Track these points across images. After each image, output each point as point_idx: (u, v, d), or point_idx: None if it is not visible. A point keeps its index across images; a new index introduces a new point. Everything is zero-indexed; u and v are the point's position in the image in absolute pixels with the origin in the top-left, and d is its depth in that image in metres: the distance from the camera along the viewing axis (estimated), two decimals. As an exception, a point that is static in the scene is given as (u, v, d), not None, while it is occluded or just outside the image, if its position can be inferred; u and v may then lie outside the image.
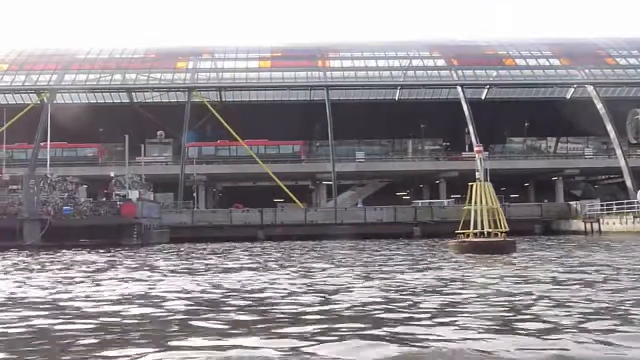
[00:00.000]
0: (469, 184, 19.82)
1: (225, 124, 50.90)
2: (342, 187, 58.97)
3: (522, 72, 55.27)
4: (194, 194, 51.66)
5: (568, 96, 57.03)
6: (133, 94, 56.66)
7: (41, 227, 32.65)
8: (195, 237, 41.18)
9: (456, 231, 19.60)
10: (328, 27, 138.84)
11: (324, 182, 58.04)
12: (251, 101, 55.90)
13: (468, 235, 18.91)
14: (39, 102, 51.87)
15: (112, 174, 42.26)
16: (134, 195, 36.06)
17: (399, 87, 55.22)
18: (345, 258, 19.57)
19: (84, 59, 55.60)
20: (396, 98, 56.76)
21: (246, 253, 25.11)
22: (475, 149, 23.30)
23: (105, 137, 55.42)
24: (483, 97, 56.47)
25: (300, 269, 15.41)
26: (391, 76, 54.88)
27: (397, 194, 64.77)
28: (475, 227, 18.78)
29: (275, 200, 58.37)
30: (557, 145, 66.01)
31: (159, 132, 60.67)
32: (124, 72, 53.83)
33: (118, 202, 35.22)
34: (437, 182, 58.50)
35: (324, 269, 15.18)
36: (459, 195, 56.11)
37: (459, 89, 53.48)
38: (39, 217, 32.75)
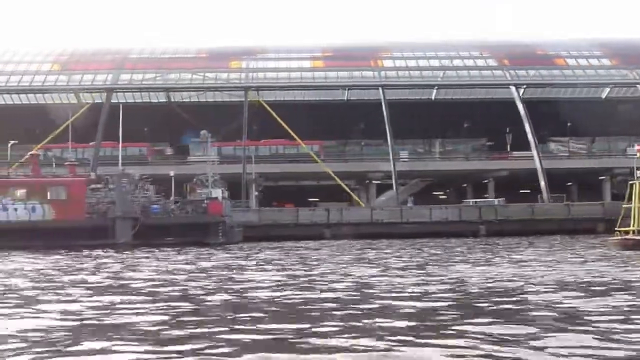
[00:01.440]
0: (633, 180, 19.90)
1: (283, 124, 51.08)
2: (382, 187, 59.40)
3: (575, 71, 55.44)
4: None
5: (608, 95, 57.29)
6: (171, 93, 57.02)
7: (133, 225, 32.85)
8: (264, 235, 41.40)
9: (616, 229, 19.73)
10: (366, 27, 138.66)
11: (374, 182, 58.42)
12: (294, 100, 56.01)
13: (627, 233, 19.07)
14: (99, 101, 52.01)
15: (171, 173, 42.61)
16: (217, 193, 36.31)
17: (455, 87, 55.44)
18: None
19: (137, 59, 55.79)
20: (432, 97, 57.09)
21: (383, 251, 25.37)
22: (637, 147, 23.33)
23: (147, 136, 55.75)
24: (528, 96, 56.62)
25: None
26: (445, 76, 55.07)
27: (434, 193, 64.99)
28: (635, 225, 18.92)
29: (309, 199, 58.69)
30: (592, 145, 66.01)
31: (202, 132, 60.81)
32: (179, 72, 53.98)
33: (205, 201, 35.37)
34: (485, 181, 58.68)
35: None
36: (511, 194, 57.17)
37: (513, 88, 53.69)
38: (130, 215, 32.93)
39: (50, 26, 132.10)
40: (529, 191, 60.68)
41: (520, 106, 52.50)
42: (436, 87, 55.46)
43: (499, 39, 60.51)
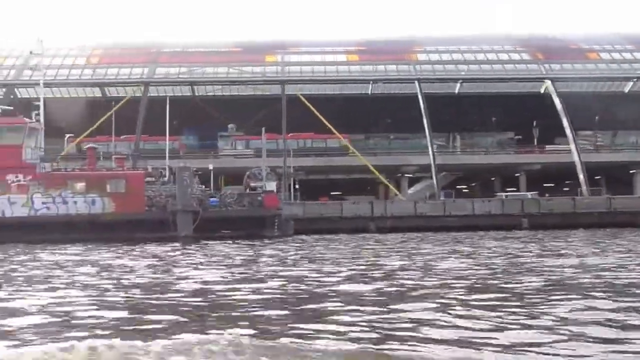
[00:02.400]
0: None
1: (320, 117, 51.20)
2: (410, 180, 59.77)
3: (609, 65, 55.61)
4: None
5: (631, 89, 57.46)
6: (195, 87, 57.12)
7: (193, 219, 33.00)
8: (310, 228, 41.52)
9: None
10: (389, 21, 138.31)
11: (405, 175, 58.68)
12: (324, 94, 56.06)
13: None
14: (136, 94, 52.11)
15: (210, 167, 42.82)
16: (271, 186, 36.51)
17: (494, 81, 55.67)
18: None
19: (171, 53, 55.90)
20: (466, 91, 57.26)
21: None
22: None
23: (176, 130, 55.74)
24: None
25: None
26: (480, 69, 55.22)
27: (457, 187, 65.19)
28: None
29: (331, 193, 58.90)
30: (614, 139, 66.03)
31: (230, 126, 61.07)
32: (215, 66, 54.08)
33: (260, 194, 35.54)
34: (517, 175, 58.93)
35: None
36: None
37: (549, 82, 53.84)
38: (191, 209, 33.08)
39: (82, 21, 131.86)
40: (552, 185, 61.21)
41: (556, 100, 52.70)
42: (476, 81, 55.48)
43: (531, 33, 60.67)
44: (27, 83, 49.44)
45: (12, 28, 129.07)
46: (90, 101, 53.26)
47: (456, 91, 57.98)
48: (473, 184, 70.11)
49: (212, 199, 34.65)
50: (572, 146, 50.95)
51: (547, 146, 57.74)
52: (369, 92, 57.98)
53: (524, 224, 45.04)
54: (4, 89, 52.42)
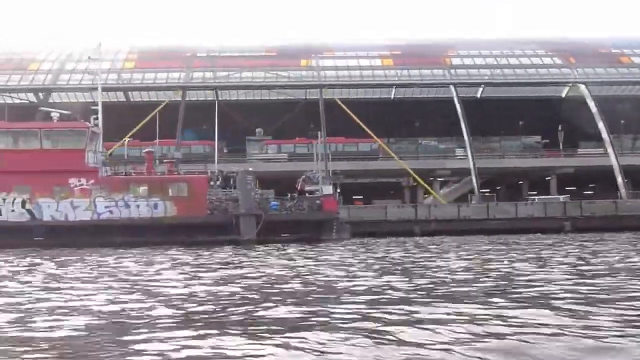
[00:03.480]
0: None
1: (358, 121, 51.53)
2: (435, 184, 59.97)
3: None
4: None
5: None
6: (219, 92, 57.37)
7: (256, 222, 33.22)
8: (356, 232, 41.82)
9: None
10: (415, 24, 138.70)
11: (438, 179, 59.01)
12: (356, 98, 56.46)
13: None
14: (173, 99, 52.32)
15: (250, 169, 42.96)
16: (327, 190, 36.69)
17: (531, 85, 56.15)
18: None
19: (206, 57, 56.15)
20: (478, 95, 57.62)
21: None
22: None
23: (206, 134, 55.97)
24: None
25: None
26: (514, 74, 55.64)
27: (481, 191, 65.46)
28: None
29: (354, 197, 59.25)
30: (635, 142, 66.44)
31: (257, 130, 61.29)
32: (251, 70, 54.34)
33: (319, 198, 35.77)
34: (548, 178, 59.28)
35: None
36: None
37: (583, 87, 54.30)
38: (254, 212, 33.31)
39: (113, 23, 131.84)
40: (574, 188, 61.63)
41: (591, 104, 53.11)
42: (513, 86, 55.93)
43: (559, 36, 61.18)
44: (84, 87, 49.52)
45: (48, 32, 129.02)
46: (111, 105, 53.22)
47: (488, 95, 58.37)
48: (498, 188, 70.45)
49: (272, 203, 34.89)
50: (610, 149, 51.36)
51: (578, 150, 58.05)
52: (403, 96, 58.43)
53: (566, 227, 45.38)
54: (41, 94, 52.46)
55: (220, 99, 56.40)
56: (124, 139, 44.16)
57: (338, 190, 52.57)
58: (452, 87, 53.42)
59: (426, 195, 59.00)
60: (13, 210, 33.28)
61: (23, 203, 33.33)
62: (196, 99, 56.21)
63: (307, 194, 37.62)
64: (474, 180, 50.87)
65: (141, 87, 53.20)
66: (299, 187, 38.60)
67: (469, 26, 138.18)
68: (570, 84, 55.73)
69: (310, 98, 57.32)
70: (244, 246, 30.02)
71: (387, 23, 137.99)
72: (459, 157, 60.58)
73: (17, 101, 52.49)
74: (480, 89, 57.82)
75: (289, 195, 36.44)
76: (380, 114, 56.10)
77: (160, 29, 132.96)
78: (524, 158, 60.76)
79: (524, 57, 57.01)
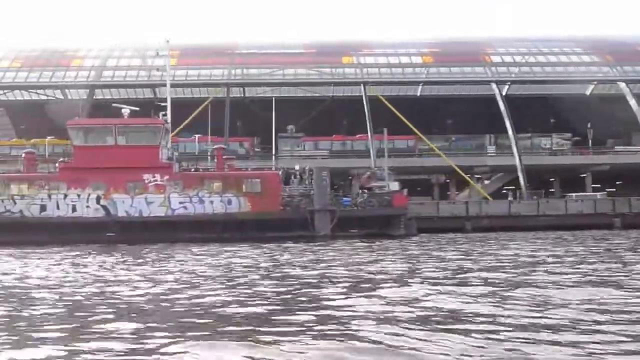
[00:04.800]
0: None
1: (404, 120, 51.77)
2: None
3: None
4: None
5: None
6: (246, 89, 57.44)
7: (331, 218, 33.45)
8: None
9: None
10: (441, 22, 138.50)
11: (476, 176, 59.33)
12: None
13: None
14: (218, 96, 52.36)
15: (296, 167, 43.15)
16: (394, 186, 36.98)
17: (571, 83, 56.48)
18: None
19: (247, 54, 56.23)
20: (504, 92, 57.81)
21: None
22: None
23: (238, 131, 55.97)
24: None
25: None
26: (554, 71, 56.04)
27: (506, 188, 65.87)
28: None
29: None
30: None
31: (289, 127, 61.38)
32: (294, 67, 54.48)
33: (388, 194, 36.04)
34: (583, 175, 59.66)
35: None
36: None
37: (623, 84, 54.75)
38: (328, 208, 33.54)
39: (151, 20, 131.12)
40: (595, 185, 62.10)
41: (632, 102, 53.58)
42: (555, 83, 56.32)
43: (596, 34, 61.55)
44: (153, 84, 49.55)
45: (88, 28, 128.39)
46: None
47: (518, 93, 58.74)
48: (527, 185, 70.68)
49: (344, 199, 35.14)
50: (650, 146, 51.77)
51: (616, 147, 58.49)
52: (438, 93, 58.72)
53: (615, 224, 45.82)
54: (86, 90, 52.44)
55: (246, 95, 56.45)
56: (196, 136, 44.16)
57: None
58: (494, 85, 53.70)
59: (457, 192, 59.34)
60: (88, 207, 33.38)
61: (98, 199, 33.43)
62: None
63: (368, 190, 37.93)
64: (521, 178, 51.18)
65: (188, 84, 53.05)
66: (361, 183, 38.86)
67: (469, 26, 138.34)
68: (610, 82, 56.04)
69: (337, 95, 57.45)
70: (321, 241, 30.34)
71: (408, 22, 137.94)
72: (491, 154, 61.11)
73: (62, 97, 52.47)
74: (507, 87, 58.11)
75: (359, 192, 36.67)
76: (419, 110, 56.27)
77: (187, 28, 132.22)
78: (556, 155, 61.22)
79: (562, 55, 57.38)
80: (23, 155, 35.59)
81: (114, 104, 36.10)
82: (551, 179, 64.55)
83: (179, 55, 55.67)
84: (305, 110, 55.25)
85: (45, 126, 51.28)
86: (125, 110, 34.88)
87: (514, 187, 70.07)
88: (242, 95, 57.04)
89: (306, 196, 34.57)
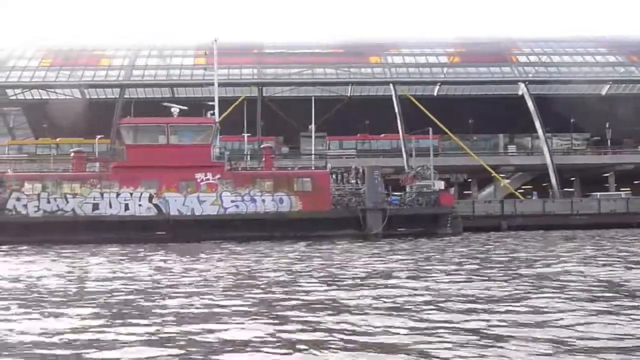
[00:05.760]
0: None
1: (433, 118, 52.03)
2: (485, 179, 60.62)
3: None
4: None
5: None
6: (264, 88, 57.56)
7: (382, 216, 33.66)
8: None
9: None
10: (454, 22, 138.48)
11: (500, 175, 59.68)
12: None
13: None
14: (250, 95, 52.53)
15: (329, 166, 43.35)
16: (439, 185, 37.23)
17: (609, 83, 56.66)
18: None
19: (275, 54, 56.41)
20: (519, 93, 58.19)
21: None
22: None
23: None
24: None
25: None
26: (581, 72, 56.44)
27: (523, 187, 66.29)
28: None
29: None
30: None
31: (310, 126, 61.55)
32: (324, 66, 54.69)
33: (435, 192, 36.29)
34: (606, 175, 60.13)
35: None
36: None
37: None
38: (380, 207, 33.76)
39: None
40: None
41: (657, 101, 54.15)
42: (581, 83, 56.74)
43: (620, 35, 62.00)
44: (196, 83, 49.65)
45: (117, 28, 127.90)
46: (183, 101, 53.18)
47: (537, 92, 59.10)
48: (544, 184, 71.18)
49: (393, 198, 35.37)
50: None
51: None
52: (463, 93, 59.07)
53: (649, 222, 46.27)
54: (118, 89, 52.49)
55: (264, 95, 56.46)
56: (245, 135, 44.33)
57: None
58: (522, 85, 54.07)
59: (481, 191, 59.72)
60: (140, 205, 33.45)
61: (150, 198, 33.51)
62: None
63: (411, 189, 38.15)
64: (553, 177, 51.54)
65: (228, 83, 52.97)
66: (403, 182, 39.10)
67: (490, 25, 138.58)
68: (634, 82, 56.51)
69: (355, 95, 57.63)
70: (373, 240, 30.60)
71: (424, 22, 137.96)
72: (512, 154, 61.55)
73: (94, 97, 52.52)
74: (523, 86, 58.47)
75: (406, 190, 36.91)
76: (434, 110, 56.47)
77: (213, 28, 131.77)
78: (579, 154, 61.67)
79: (588, 55, 57.82)
80: (72, 154, 35.59)
81: (163, 104, 36.14)
82: (571, 178, 65.07)
83: (207, 55, 55.82)
84: (323, 110, 55.29)
85: (65, 125, 51.41)
86: (175, 109, 35.00)
87: (531, 187, 70.79)
88: (261, 94, 57.18)
89: (356, 195, 34.76)
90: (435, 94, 58.47)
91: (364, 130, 57.96)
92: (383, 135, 58.20)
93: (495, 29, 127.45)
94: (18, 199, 33.08)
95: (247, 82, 53.19)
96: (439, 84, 56.70)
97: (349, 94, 57.70)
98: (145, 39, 56.77)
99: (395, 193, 37.31)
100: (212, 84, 42.88)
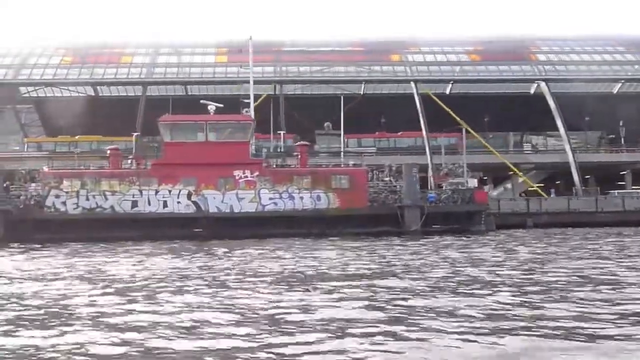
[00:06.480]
0: None
1: (455, 117, 52.22)
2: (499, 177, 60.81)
3: None
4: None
5: None
6: (279, 86, 57.58)
7: (420, 213, 33.83)
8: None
9: None
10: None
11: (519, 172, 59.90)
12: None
13: None
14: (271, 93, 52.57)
15: (363, 163, 43.38)
16: (472, 182, 37.42)
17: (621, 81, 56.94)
18: None
19: (294, 51, 56.47)
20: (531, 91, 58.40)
21: None
22: None
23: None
24: None
25: None
26: (600, 70, 56.74)
27: (537, 185, 66.53)
28: None
29: None
30: None
31: (325, 124, 61.69)
32: (345, 64, 54.80)
33: (470, 190, 36.49)
34: (623, 173, 60.46)
35: None
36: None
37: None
38: (418, 204, 33.93)
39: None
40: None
41: (679, 101, 54.47)
42: (601, 82, 57.02)
43: (637, 33, 62.36)
44: (229, 80, 49.61)
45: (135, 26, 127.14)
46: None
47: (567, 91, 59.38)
48: (557, 182, 71.48)
49: (430, 195, 35.54)
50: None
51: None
52: (480, 91, 59.17)
53: (675, 220, 46.56)
54: (140, 87, 52.50)
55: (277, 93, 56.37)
56: (281, 132, 44.42)
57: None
58: (543, 83, 54.31)
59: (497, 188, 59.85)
60: (179, 202, 33.51)
61: (189, 195, 33.57)
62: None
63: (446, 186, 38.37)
64: (575, 174, 51.82)
65: (262, 81, 52.86)
66: (437, 180, 39.30)
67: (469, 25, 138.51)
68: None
69: (368, 93, 57.60)
70: (412, 237, 30.73)
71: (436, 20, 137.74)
72: (527, 152, 61.79)
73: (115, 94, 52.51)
74: (535, 85, 58.72)
75: (443, 188, 37.10)
76: (457, 108, 56.68)
77: (232, 26, 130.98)
78: (596, 152, 61.93)
79: (605, 53, 58.11)
80: (108, 151, 35.61)
81: (201, 101, 36.16)
82: (586, 177, 65.38)
83: (227, 52, 55.94)
84: (336, 108, 55.28)
85: (77, 123, 51.37)
86: (212, 107, 35.05)
87: (543, 185, 71.03)
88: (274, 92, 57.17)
89: (392, 192, 34.92)
90: (447, 92, 58.53)
91: (380, 128, 58.01)
92: (401, 132, 58.25)
93: (513, 26, 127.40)
94: (57, 196, 33.06)
95: (270, 80, 53.12)
96: (459, 82, 56.67)
97: (362, 92, 57.60)
98: (164, 37, 56.65)
99: (431, 191, 37.42)
100: (241, 82, 43.15)
